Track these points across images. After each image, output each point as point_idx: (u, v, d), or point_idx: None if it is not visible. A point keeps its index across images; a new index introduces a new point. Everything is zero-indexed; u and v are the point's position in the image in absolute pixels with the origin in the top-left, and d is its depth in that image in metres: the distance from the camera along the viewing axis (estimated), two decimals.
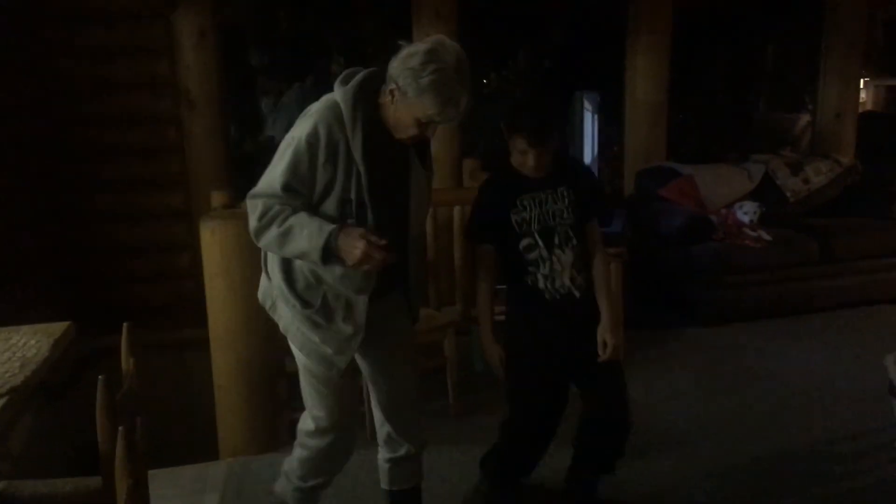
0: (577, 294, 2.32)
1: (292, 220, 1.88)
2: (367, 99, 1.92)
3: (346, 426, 2.23)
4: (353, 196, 1.92)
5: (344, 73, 1.97)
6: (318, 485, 2.28)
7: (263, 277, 2.14)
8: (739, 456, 2.96)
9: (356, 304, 2.03)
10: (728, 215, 4.67)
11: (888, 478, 2.77)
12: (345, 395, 2.18)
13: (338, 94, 1.92)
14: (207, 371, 3.05)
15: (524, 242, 2.31)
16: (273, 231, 1.89)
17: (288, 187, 1.89)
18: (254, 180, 2.01)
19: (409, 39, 2.00)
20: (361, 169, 1.91)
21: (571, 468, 2.57)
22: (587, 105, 7.95)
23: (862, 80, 6.62)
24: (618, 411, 2.39)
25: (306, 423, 2.22)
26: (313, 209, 1.94)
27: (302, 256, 1.93)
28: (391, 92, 1.87)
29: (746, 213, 4.60)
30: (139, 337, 1.89)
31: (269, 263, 2.09)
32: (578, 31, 7.09)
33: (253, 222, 1.94)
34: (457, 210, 3.64)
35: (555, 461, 2.84)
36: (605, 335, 2.33)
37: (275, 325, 2.17)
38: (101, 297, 4.29)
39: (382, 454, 2.38)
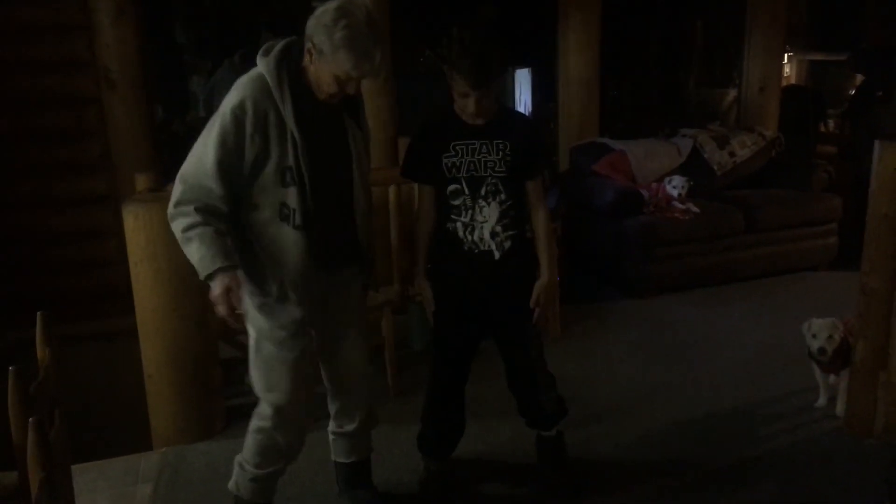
0: (496, 254, 2.30)
1: (198, 233, 1.88)
2: (291, 65, 1.94)
3: (302, 408, 2.20)
4: (290, 163, 1.93)
5: (264, 46, 1.97)
6: (275, 472, 2.26)
7: None
8: (674, 421, 3.05)
9: (307, 285, 2.03)
10: (658, 189, 4.77)
11: (811, 437, 2.91)
12: (301, 374, 2.15)
13: (261, 65, 1.93)
14: (138, 360, 2.96)
15: (451, 187, 2.30)
16: (177, 227, 1.91)
17: (221, 163, 1.88)
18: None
19: None
20: (296, 134, 1.92)
21: (536, 434, 2.64)
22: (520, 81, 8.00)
23: (786, 55, 6.83)
24: (531, 376, 2.46)
25: (261, 407, 2.18)
26: (247, 182, 1.93)
27: (185, 252, 1.95)
28: (308, 51, 1.90)
29: (675, 186, 4.71)
30: (65, 327, 1.83)
31: None
32: (511, 7, 7.09)
33: (170, 206, 1.94)
34: (392, 189, 3.62)
35: (501, 436, 2.89)
36: (541, 293, 2.37)
37: (206, 311, 2.12)
38: (25, 289, 4.12)
39: (332, 427, 2.40)
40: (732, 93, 7.04)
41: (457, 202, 2.29)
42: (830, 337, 2.92)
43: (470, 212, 2.28)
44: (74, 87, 4.13)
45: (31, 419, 1.23)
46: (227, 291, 1.90)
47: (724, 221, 4.64)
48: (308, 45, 1.90)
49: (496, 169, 2.27)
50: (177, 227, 1.92)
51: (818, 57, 7.60)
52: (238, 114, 1.88)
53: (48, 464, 1.21)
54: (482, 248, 2.30)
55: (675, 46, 8.02)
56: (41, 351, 1.69)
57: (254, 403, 2.80)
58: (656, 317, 4.24)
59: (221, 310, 1.92)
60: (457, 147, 2.27)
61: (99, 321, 4.09)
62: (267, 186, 1.94)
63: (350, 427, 2.37)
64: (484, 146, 2.27)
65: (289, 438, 2.21)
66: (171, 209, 1.93)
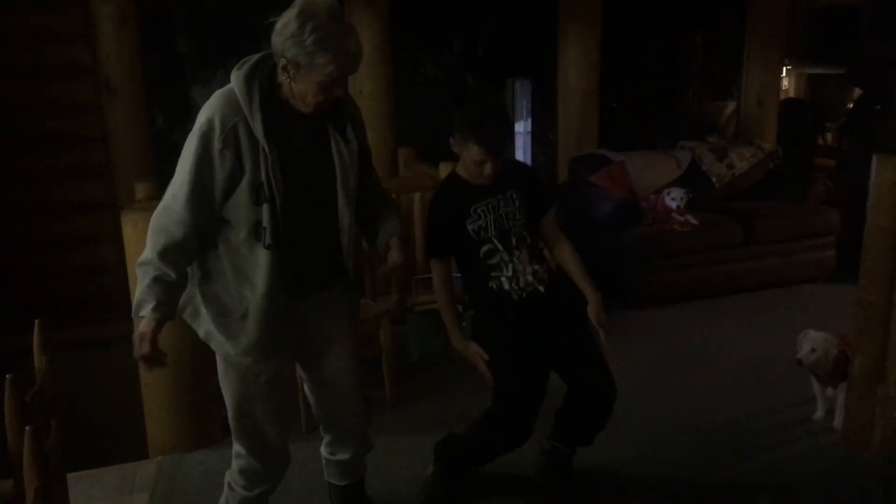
0: (541, 289, 2.38)
1: (142, 271, 1.85)
2: (264, 79, 1.84)
3: (275, 435, 2.12)
4: (263, 178, 1.83)
5: (241, 61, 1.89)
6: (265, 491, 2.23)
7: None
8: (669, 433, 3.04)
9: (274, 309, 1.93)
10: (657, 201, 4.78)
11: (806, 450, 2.90)
12: (271, 401, 2.07)
13: (232, 80, 1.85)
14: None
15: (484, 249, 2.36)
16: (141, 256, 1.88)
17: (194, 188, 1.80)
18: None
19: None
20: (266, 149, 1.81)
21: (551, 447, 2.61)
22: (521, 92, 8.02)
23: (784, 69, 6.86)
24: (608, 386, 2.44)
25: (233, 431, 2.13)
26: (221, 200, 1.85)
27: None
28: (284, 69, 1.81)
29: (674, 198, 4.72)
30: (63, 334, 1.82)
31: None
32: (511, 19, 7.12)
33: (151, 221, 1.88)
34: None
35: None
36: (596, 314, 2.42)
37: None
38: (22, 294, 4.12)
39: (325, 452, 2.37)
40: (731, 105, 7.06)
41: (493, 261, 2.36)
42: (813, 350, 2.92)
43: (510, 265, 2.36)
44: (75, 94, 4.15)
45: (27, 428, 1.22)
46: (141, 337, 1.85)
47: (723, 233, 4.65)
48: (282, 62, 1.79)
49: (517, 218, 2.38)
50: (143, 252, 1.89)
51: (817, 70, 7.62)
52: (206, 130, 1.79)
53: (44, 473, 1.21)
54: (529, 290, 2.37)
55: (674, 59, 8.04)
56: (38, 358, 1.69)
57: None
58: (654, 328, 4.24)
59: (136, 350, 1.88)
60: (478, 211, 2.35)
61: (96, 328, 4.09)
62: (241, 205, 1.85)
63: (343, 456, 2.33)
64: (501, 201, 2.37)
65: (267, 465, 2.15)
66: (149, 230, 1.89)
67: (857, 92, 6.56)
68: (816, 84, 7.81)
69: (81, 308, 4.21)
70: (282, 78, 1.84)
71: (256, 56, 1.89)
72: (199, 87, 7.29)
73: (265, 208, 1.84)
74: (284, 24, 1.78)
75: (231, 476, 2.22)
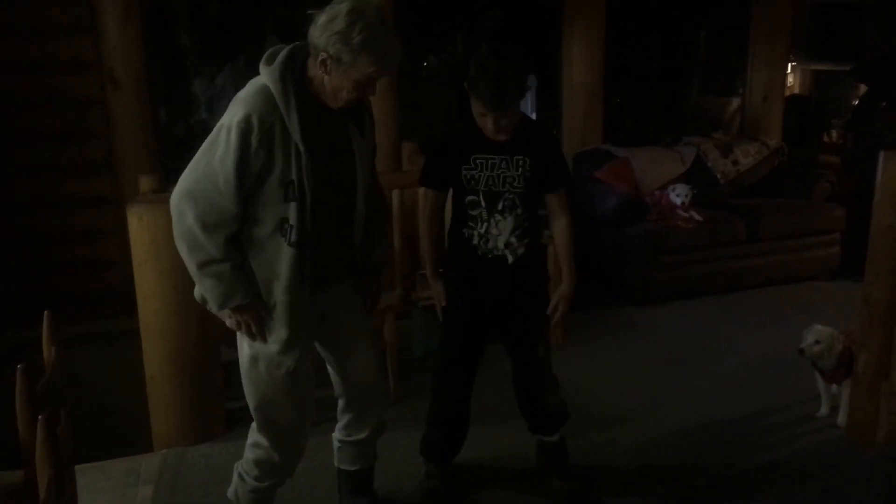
0: (509, 258, 2.33)
1: (214, 271, 1.88)
2: (296, 75, 1.87)
3: (297, 426, 2.16)
4: (293, 177, 1.87)
5: (267, 53, 1.91)
6: (274, 484, 2.24)
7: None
8: (674, 430, 3.05)
9: (298, 304, 1.98)
10: (661, 197, 4.78)
11: (810, 446, 2.91)
12: (295, 391, 2.10)
13: (265, 76, 1.86)
14: (139, 362, 2.96)
15: (469, 198, 2.32)
16: (193, 258, 1.88)
17: (231, 181, 1.82)
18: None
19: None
20: (301, 148, 1.85)
21: (536, 440, 2.66)
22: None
23: (790, 65, 6.84)
24: (533, 370, 2.47)
25: (256, 423, 2.15)
26: (249, 195, 1.88)
27: (196, 283, 1.97)
28: (323, 62, 1.82)
29: (679, 195, 4.71)
30: (66, 329, 1.82)
31: None
32: (516, 14, 7.11)
33: (184, 224, 1.86)
34: (395, 194, 3.62)
35: (502, 442, 2.88)
36: (561, 300, 2.40)
37: (208, 313, 2.11)
38: (27, 289, 4.12)
39: (339, 435, 2.39)
40: (736, 102, 7.04)
41: (474, 213, 2.32)
42: (817, 343, 2.93)
43: (485, 224, 2.31)
44: (79, 88, 4.13)
45: (40, 417, 1.22)
46: (244, 325, 1.97)
47: (727, 230, 4.65)
48: (322, 56, 1.81)
49: (515, 185, 2.29)
50: (192, 257, 1.88)
51: (822, 67, 7.60)
52: (244, 127, 1.80)
53: (56, 462, 1.21)
54: (495, 253, 2.33)
55: (678, 55, 8.03)
56: (47, 350, 1.69)
57: None
58: (658, 325, 4.24)
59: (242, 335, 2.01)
60: (477, 161, 2.29)
61: (101, 322, 4.09)
62: (269, 201, 1.88)
63: (359, 436, 2.35)
64: (504, 161, 2.28)
65: (285, 456, 2.17)
66: (186, 231, 1.87)
67: (863, 88, 6.53)
68: (821, 81, 7.79)
69: (85, 303, 4.20)
70: (316, 71, 1.87)
71: (285, 49, 1.91)
72: (202, 81, 7.30)
73: (293, 206, 1.88)
74: (331, 19, 1.79)
75: (244, 466, 2.22)
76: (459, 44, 7.61)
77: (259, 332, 1.98)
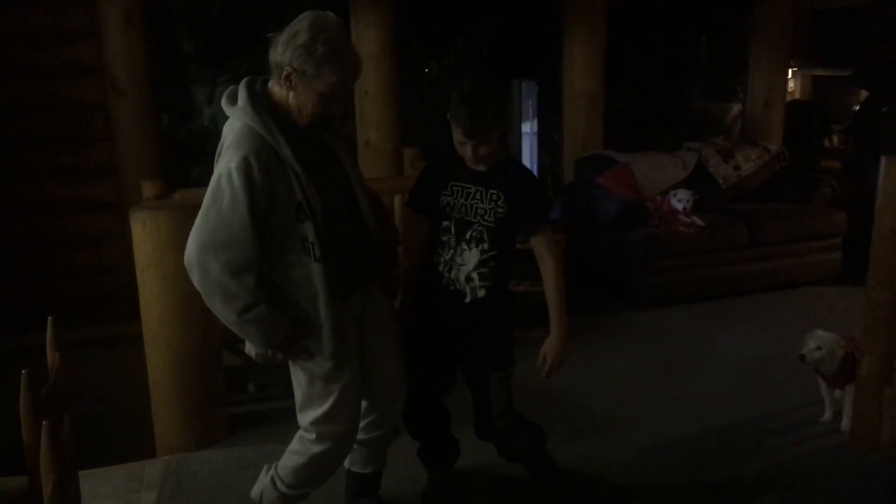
0: (467, 297, 2.30)
1: (255, 315, 1.90)
2: (262, 104, 1.92)
3: (350, 430, 2.20)
4: (300, 198, 1.91)
5: (224, 96, 1.96)
6: (304, 493, 2.26)
7: None
8: (674, 435, 3.04)
9: (337, 314, 2.01)
10: (663, 202, 4.78)
11: (814, 451, 2.90)
12: (353, 402, 2.16)
13: (240, 117, 1.91)
14: (142, 367, 2.96)
15: (443, 223, 2.32)
16: (232, 307, 1.89)
17: (247, 225, 1.84)
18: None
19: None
20: (298, 169, 1.91)
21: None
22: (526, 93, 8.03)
23: (790, 70, 6.86)
24: (488, 415, 2.43)
25: (313, 435, 2.16)
26: (265, 228, 1.90)
27: (240, 334, 1.99)
28: (287, 77, 1.87)
29: (680, 200, 4.72)
30: (69, 333, 1.82)
31: None
32: (516, 20, 7.13)
33: (216, 275, 1.86)
34: (397, 199, 3.63)
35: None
36: (548, 351, 2.31)
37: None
38: (30, 293, 4.13)
39: (358, 436, 2.37)
40: (737, 107, 7.06)
41: (444, 238, 2.32)
42: (818, 349, 2.93)
43: (452, 252, 2.30)
44: (82, 94, 4.15)
45: (44, 422, 1.23)
46: (293, 355, 2.04)
47: (728, 235, 4.65)
48: (286, 71, 1.86)
49: (485, 217, 2.26)
50: (230, 308, 1.89)
51: (822, 72, 7.62)
52: (245, 168, 1.83)
53: (60, 468, 1.21)
54: (457, 287, 2.31)
55: (679, 60, 8.06)
56: (51, 355, 1.69)
57: (257, 412, 2.79)
58: (659, 329, 4.24)
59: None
60: (454, 188, 2.30)
61: (103, 327, 4.09)
62: (286, 227, 1.93)
63: (376, 434, 2.36)
64: (478, 193, 2.27)
65: (332, 468, 2.23)
66: (216, 285, 1.87)
67: (864, 94, 6.55)
68: (822, 86, 7.81)
69: (88, 307, 4.22)
70: (281, 91, 1.92)
71: (241, 86, 1.95)
72: (203, 87, 7.33)
73: (308, 224, 1.92)
74: (293, 35, 1.86)
75: (279, 472, 2.23)
76: (460, 49, 7.63)
77: (308, 355, 2.04)
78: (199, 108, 7.40)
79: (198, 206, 1.90)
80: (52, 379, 1.59)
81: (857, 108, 6.73)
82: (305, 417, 2.14)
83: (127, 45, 4.14)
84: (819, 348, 2.93)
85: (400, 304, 2.45)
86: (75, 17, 4.09)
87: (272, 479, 2.24)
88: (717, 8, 7.29)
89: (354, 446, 2.36)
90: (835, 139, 7.33)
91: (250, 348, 2.08)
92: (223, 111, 1.98)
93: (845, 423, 2.98)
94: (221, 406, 3.10)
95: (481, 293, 2.29)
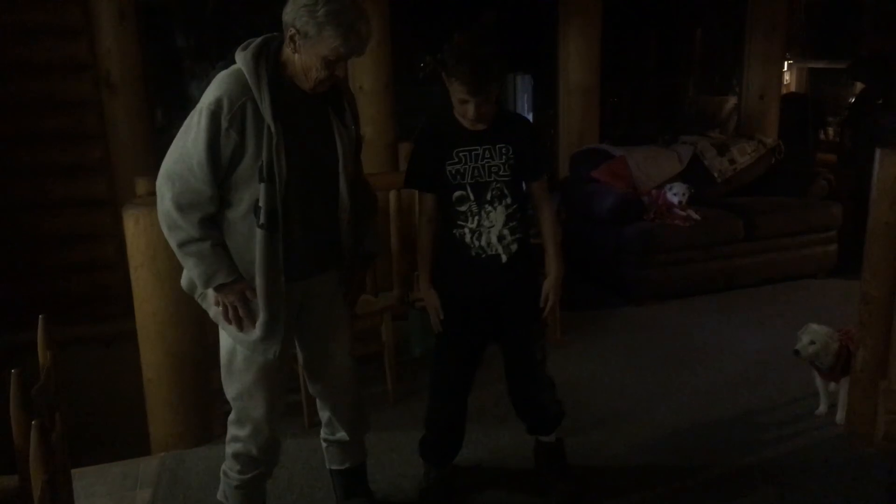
0: (503, 258, 2.30)
1: (194, 249, 1.90)
2: (270, 60, 1.89)
3: (273, 416, 2.15)
4: (265, 158, 1.87)
5: (243, 43, 1.93)
6: (257, 476, 2.23)
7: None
8: (672, 428, 3.04)
9: (274, 289, 1.97)
10: (658, 196, 4.78)
11: (811, 444, 2.90)
12: (273, 381, 2.10)
13: (238, 60, 1.88)
14: (137, 364, 2.95)
15: (456, 194, 2.28)
16: (173, 238, 1.91)
17: (205, 163, 1.84)
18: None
19: None
20: (272, 128, 1.86)
21: (533, 440, 2.65)
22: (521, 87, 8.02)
23: (786, 63, 6.85)
24: (529, 370, 2.45)
25: (233, 415, 2.16)
26: (223, 178, 1.90)
27: (181, 262, 1.97)
28: (291, 38, 1.85)
29: (676, 194, 4.71)
30: (64, 331, 1.82)
31: None
32: (512, 14, 7.11)
33: (163, 209, 1.90)
34: (392, 194, 3.62)
35: (500, 442, 2.88)
36: (550, 291, 2.37)
37: (204, 314, 2.11)
38: (23, 291, 4.11)
39: (324, 434, 2.39)
40: (732, 100, 7.05)
41: (463, 208, 2.28)
42: (812, 343, 2.93)
43: (476, 217, 2.27)
44: (75, 91, 4.13)
45: (33, 422, 1.22)
46: (231, 309, 1.97)
47: (724, 228, 4.64)
48: (290, 32, 1.83)
49: (500, 173, 2.26)
50: (172, 237, 1.91)
51: (818, 65, 7.61)
52: (213, 109, 1.83)
53: (50, 466, 1.20)
54: (489, 252, 2.29)
55: (674, 53, 8.04)
56: (42, 354, 1.69)
57: None
58: (656, 324, 4.24)
59: (223, 320, 2.00)
60: (460, 154, 2.25)
61: (97, 325, 4.08)
62: (242, 183, 1.90)
63: (341, 434, 2.35)
64: (487, 151, 2.25)
65: (262, 446, 2.16)
66: (165, 213, 1.90)
67: (859, 86, 6.55)
68: (817, 79, 7.80)
69: (82, 305, 4.20)
70: (287, 50, 1.88)
71: (260, 38, 1.93)
72: (198, 82, 7.30)
73: (263, 188, 1.88)
74: None
75: (226, 464, 2.23)
76: (454, 43, 7.61)
77: (246, 314, 1.98)
78: (194, 103, 7.36)
79: None
80: (43, 378, 1.58)
81: (853, 100, 6.73)
82: (227, 391, 2.12)
83: (120, 41, 4.11)
84: (812, 343, 2.93)
85: (423, 292, 2.41)
86: (68, 13, 4.06)
87: (224, 472, 2.24)
88: (712, 1, 7.27)
89: (325, 445, 2.38)
90: (830, 132, 7.34)
91: (185, 279, 2.06)
92: None
93: (840, 416, 2.98)
94: (216, 403, 3.09)
95: (514, 248, 2.31)
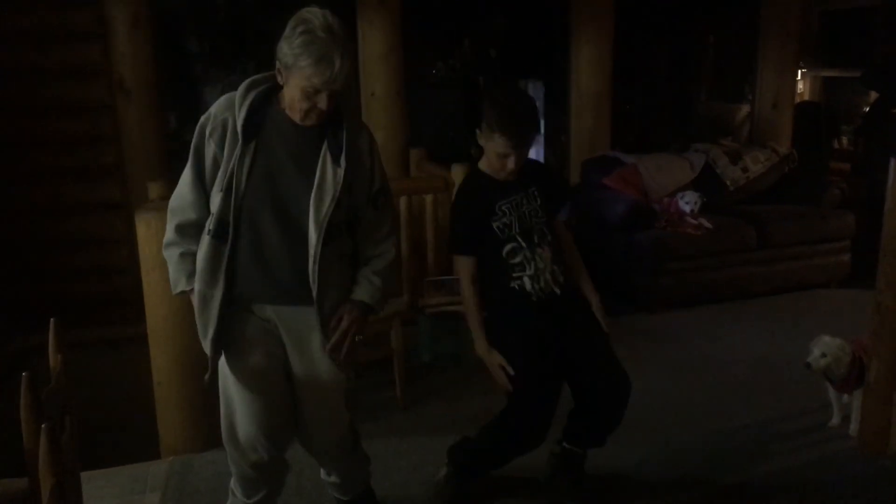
0: (557, 291, 2.36)
1: (168, 253, 2.03)
2: (263, 90, 1.94)
3: (263, 436, 2.05)
4: (229, 168, 1.89)
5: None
6: (267, 495, 2.21)
7: None
8: (683, 437, 3.02)
9: (207, 297, 1.96)
10: (670, 204, 4.76)
11: (822, 456, 2.87)
12: (252, 401, 2.02)
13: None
14: (147, 368, 2.96)
15: (508, 247, 2.32)
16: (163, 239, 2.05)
17: (193, 183, 1.95)
18: None
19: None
20: (239, 136, 1.89)
21: (561, 449, 2.60)
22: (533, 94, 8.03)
23: (800, 71, 6.82)
24: (623, 383, 2.44)
25: (230, 438, 2.09)
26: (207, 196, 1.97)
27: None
28: (278, 71, 1.89)
29: (688, 202, 4.69)
30: (75, 334, 1.83)
31: None
32: (524, 20, 7.11)
33: (167, 233, 2.05)
34: (403, 200, 3.62)
35: None
36: (599, 312, 2.45)
37: None
38: (35, 294, 4.14)
39: (322, 472, 2.37)
40: (745, 108, 7.02)
41: (517, 260, 2.33)
42: (823, 356, 2.89)
43: (533, 263, 2.32)
44: (88, 95, 4.16)
45: (43, 425, 1.22)
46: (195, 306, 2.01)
47: (736, 237, 4.62)
48: (277, 64, 1.88)
49: (539, 216, 2.36)
50: (164, 237, 2.05)
51: (831, 73, 7.57)
52: (202, 122, 1.94)
53: (59, 470, 1.20)
54: (547, 291, 2.34)
55: (687, 61, 8.02)
56: (53, 357, 1.69)
57: None
58: (666, 332, 4.21)
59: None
60: (503, 207, 2.32)
61: (108, 328, 4.10)
62: (215, 195, 1.93)
63: (335, 479, 2.34)
64: (524, 198, 2.35)
65: (257, 470, 2.09)
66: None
67: (873, 95, 6.50)
68: (831, 87, 7.75)
69: (93, 308, 4.23)
70: (280, 81, 1.92)
71: (268, 73, 1.98)
72: (211, 88, 7.35)
73: (219, 197, 1.91)
74: (287, 28, 1.87)
75: (232, 483, 2.23)
76: (467, 49, 7.62)
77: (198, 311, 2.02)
78: (206, 108, 7.41)
79: None
80: (54, 382, 1.58)
81: (867, 109, 6.68)
82: (225, 419, 2.10)
83: (134, 46, 4.15)
84: (824, 355, 2.90)
85: (482, 356, 2.34)
86: (83, 18, 4.10)
87: (231, 490, 2.24)
88: (725, 8, 7.25)
89: (325, 481, 2.36)
90: (844, 141, 7.29)
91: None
92: None
93: (853, 427, 2.95)
94: None
95: (561, 278, 2.38)
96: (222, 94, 2.01)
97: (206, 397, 2.94)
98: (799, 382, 3.40)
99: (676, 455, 2.90)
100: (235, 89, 1.97)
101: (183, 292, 2.03)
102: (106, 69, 4.13)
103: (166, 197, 3.10)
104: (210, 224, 1.92)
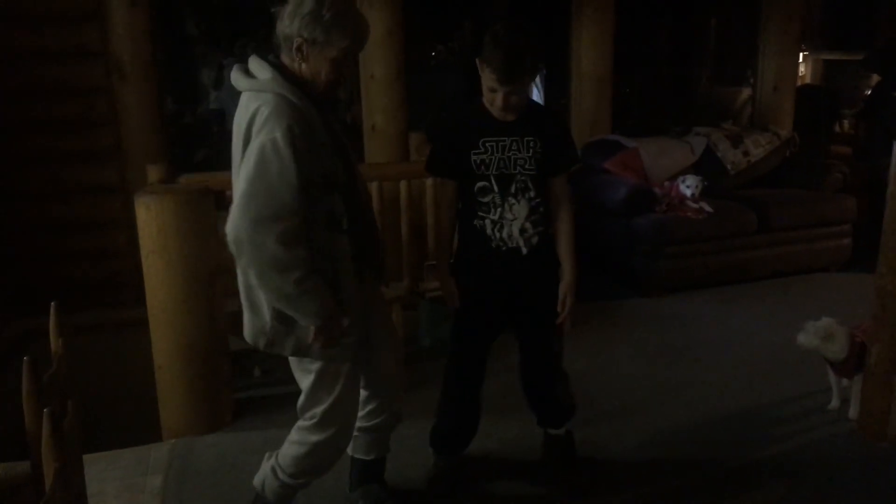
0: (524, 250, 2.28)
1: (310, 286, 1.86)
2: (286, 75, 1.91)
3: (350, 420, 2.20)
4: (329, 168, 1.92)
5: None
6: (306, 482, 2.25)
7: (248, 315, 2.02)
8: (682, 421, 3.03)
9: (353, 293, 2.01)
10: (671, 188, 4.74)
11: (821, 439, 2.89)
12: (355, 385, 2.17)
13: (272, 88, 1.86)
14: (147, 352, 2.96)
15: (479, 184, 2.26)
16: (288, 277, 1.83)
17: (297, 191, 1.81)
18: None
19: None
20: (326, 139, 1.92)
21: (542, 432, 2.66)
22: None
23: (801, 54, 6.78)
24: (545, 383, 2.46)
25: (314, 421, 2.13)
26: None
27: (293, 308, 1.91)
28: (298, 49, 1.88)
29: (689, 186, 4.68)
30: (75, 318, 1.82)
31: (257, 300, 1.98)
32: (524, 3, 7.05)
33: (270, 250, 1.80)
34: (403, 184, 3.60)
35: (509, 433, 2.87)
36: (567, 293, 2.34)
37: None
38: (35, 278, 4.13)
39: (359, 423, 2.36)
40: (746, 91, 6.98)
41: (485, 199, 2.26)
42: (811, 334, 2.91)
43: (499, 209, 2.25)
44: (86, 77, 4.12)
45: (45, 409, 1.22)
46: (336, 331, 1.96)
47: (737, 221, 4.61)
48: (296, 42, 1.86)
49: (526, 167, 2.24)
50: (287, 280, 1.84)
51: (833, 56, 7.53)
52: (290, 137, 1.80)
53: (62, 454, 1.21)
54: (510, 244, 2.27)
55: (688, 44, 7.96)
56: (54, 341, 1.69)
57: (263, 396, 2.77)
58: (666, 316, 4.22)
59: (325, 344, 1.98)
60: (487, 144, 2.23)
61: (108, 311, 4.10)
62: (314, 197, 1.89)
63: (377, 420, 2.35)
64: (514, 143, 2.23)
65: (329, 450, 2.17)
66: (270, 261, 1.82)
67: (875, 78, 6.47)
68: (833, 70, 7.72)
69: (93, 292, 4.22)
70: (291, 62, 1.91)
71: (256, 60, 1.93)
72: (209, 70, 7.29)
73: (337, 197, 1.93)
74: (298, 5, 1.87)
75: (280, 461, 2.20)
76: (467, 33, 7.56)
77: (343, 331, 1.99)
78: (204, 91, 7.37)
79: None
80: (55, 366, 1.58)
81: (869, 92, 6.65)
82: (311, 407, 2.12)
83: (131, 28, 4.10)
84: (814, 334, 2.89)
85: (440, 279, 2.40)
86: (80, 0, 4.05)
87: (273, 468, 2.22)
88: None
89: (356, 434, 2.34)
90: (846, 124, 7.26)
91: (256, 333, 2.01)
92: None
93: (853, 411, 2.96)
94: (227, 390, 3.10)
95: (535, 240, 2.29)
96: (219, 75, 1.99)
97: (206, 381, 2.95)
98: (798, 366, 3.41)
99: (674, 438, 2.91)
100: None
101: (334, 309, 1.95)
102: (103, 51, 4.09)
103: (165, 180, 3.11)
104: (345, 223, 1.98)
